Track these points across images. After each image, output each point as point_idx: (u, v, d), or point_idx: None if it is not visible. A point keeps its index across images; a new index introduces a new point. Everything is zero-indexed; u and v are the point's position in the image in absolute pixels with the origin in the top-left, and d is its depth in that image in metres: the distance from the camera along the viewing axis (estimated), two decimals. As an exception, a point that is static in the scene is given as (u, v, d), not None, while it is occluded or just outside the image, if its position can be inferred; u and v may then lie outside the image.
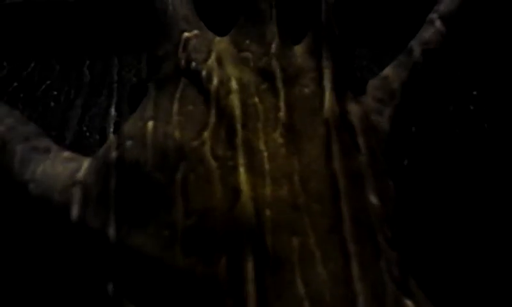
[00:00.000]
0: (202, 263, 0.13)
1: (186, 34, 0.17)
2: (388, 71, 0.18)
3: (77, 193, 0.15)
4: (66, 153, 0.17)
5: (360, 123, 0.16)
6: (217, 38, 0.18)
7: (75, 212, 0.15)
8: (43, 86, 0.26)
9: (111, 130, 0.24)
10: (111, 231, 0.15)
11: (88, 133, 0.24)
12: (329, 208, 0.14)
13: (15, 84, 0.26)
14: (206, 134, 0.15)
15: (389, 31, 0.28)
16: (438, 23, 0.19)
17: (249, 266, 0.13)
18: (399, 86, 0.18)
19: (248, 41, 0.17)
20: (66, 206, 0.15)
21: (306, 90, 0.16)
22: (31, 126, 0.18)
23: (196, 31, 0.18)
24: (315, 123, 0.16)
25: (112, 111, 0.24)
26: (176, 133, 0.15)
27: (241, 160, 0.15)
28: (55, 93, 0.26)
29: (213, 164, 0.15)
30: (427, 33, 0.19)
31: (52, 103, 0.25)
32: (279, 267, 0.13)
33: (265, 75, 0.16)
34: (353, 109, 0.17)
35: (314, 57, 0.17)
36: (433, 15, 0.19)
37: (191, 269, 0.13)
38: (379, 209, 0.15)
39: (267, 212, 0.13)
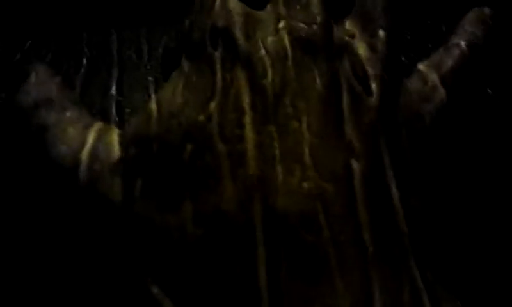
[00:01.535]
0: (215, 266, 0.13)
1: (216, 5, 0.16)
2: (426, 65, 0.18)
3: (85, 157, 0.16)
4: (75, 113, 0.17)
5: (401, 113, 0.16)
6: (250, 9, 0.17)
7: (83, 174, 0.15)
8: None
9: (113, 110, 0.23)
10: (118, 196, 0.15)
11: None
12: (344, 192, 0.13)
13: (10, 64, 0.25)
14: (213, 105, 0.15)
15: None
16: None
17: (262, 271, 0.12)
18: (439, 81, 0.17)
19: (289, 11, 0.16)
20: (75, 169, 0.15)
21: (346, 67, 0.16)
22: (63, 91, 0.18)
23: (226, 2, 0.17)
24: (355, 102, 0.15)
25: (113, 90, 0.24)
26: (181, 109, 0.15)
27: (252, 146, 0.14)
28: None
29: (221, 148, 0.14)
30: (467, 31, 0.19)
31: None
32: (293, 266, 0.12)
33: (301, 46, 0.15)
34: (396, 97, 0.16)
35: (355, 35, 0.17)
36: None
37: (203, 261, 0.13)
38: (398, 203, 0.14)
39: (279, 207, 0.13)
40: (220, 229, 0.13)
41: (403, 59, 0.25)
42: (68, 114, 0.17)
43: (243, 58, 0.15)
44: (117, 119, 0.22)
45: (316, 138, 0.14)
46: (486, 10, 0.20)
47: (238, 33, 0.15)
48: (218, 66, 0.15)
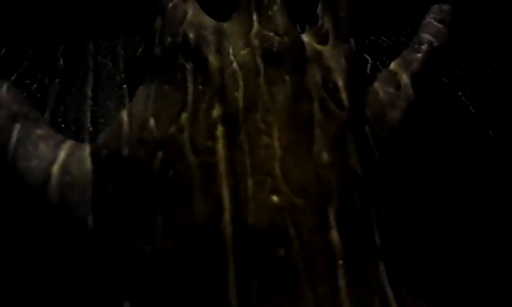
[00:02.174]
0: (186, 281, 0.13)
1: (186, 17, 0.16)
2: (394, 67, 0.18)
3: (55, 176, 0.15)
4: (49, 131, 0.17)
5: (369, 119, 0.16)
6: (217, 22, 0.17)
7: (53, 195, 0.15)
8: (15, 75, 0.25)
9: (88, 120, 0.23)
10: (89, 220, 0.15)
11: (63, 125, 0.23)
12: (315, 205, 0.14)
13: (-15, 72, 0.25)
14: (184, 117, 0.15)
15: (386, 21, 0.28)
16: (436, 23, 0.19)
17: (232, 286, 0.13)
18: (406, 84, 0.18)
19: (249, 24, 0.16)
20: (44, 186, 0.15)
21: (316, 78, 0.16)
22: (25, 100, 0.17)
23: (196, 13, 0.17)
24: (319, 116, 0.15)
25: (88, 100, 0.24)
26: (152, 120, 0.15)
27: (223, 158, 0.14)
28: (27, 81, 0.25)
29: (192, 160, 0.14)
30: (430, 29, 0.19)
31: (25, 93, 0.24)
32: (264, 280, 0.13)
33: (272, 59, 0.15)
34: (363, 103, 0.16)
35: (325, 44, 0.17)
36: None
37: (174, 276, 0.13)
38: (373, 213, 0.14)
39: (250, 223, 0.13)
40: (190, 244, 0.13)
41: (378, 64, 0.25)
42: (39, 130, 0.17)
43: (214, 72, 0.15)
44: (91, 129, 0.22)
45: (287, 152, 0.14)
46: (445, 7, 0.20)
47: (209, 48, 0.15)
48: (190, 78, 0.15)
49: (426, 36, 0.19)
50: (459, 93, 0.25)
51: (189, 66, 0.15)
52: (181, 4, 0.17)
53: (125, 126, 0.15)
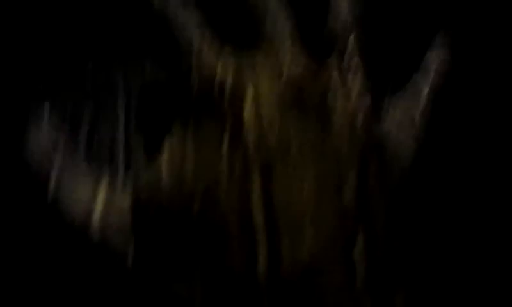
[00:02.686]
0: None
1: (219, 68, 0.17)
2: (413, 85, 0.19)
3: (97, 212, 0.16)
4: (88, 168, 0.18)
5: (387, 151, 0.17)
6: (244, 60, 0.18)
7: (95, 233, 0.16)
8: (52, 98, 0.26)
9: (121, 148, 0.24)
10: (129, 261, 0.16)
11: (98, 149, 0.24)
12: (345, 257, 0.15)
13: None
14: (222, 168, 0.16)
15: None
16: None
17: None
18: (419, 113, 0.19)
19: (280, 66, 0.17)
20: (87, 223, 0.16)
21: (337, 110, 0.17)
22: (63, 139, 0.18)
23: (228, 63, 0.17)
24: (352, 153, 0.16)
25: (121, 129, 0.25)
26: (190, 170, 0.16)
27: (257, 202, 0.15)
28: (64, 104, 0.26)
29: (230, 204, 0.15)
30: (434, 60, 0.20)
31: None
32: None
33: (296, 93, 0.17)
34: (381, 136, 0.17)
35: (343, 75, 0.18)
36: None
37: None
38: (396, 263, 0.15)
39: (284, 269, 0.14)
40: (227, 289, 0.14)
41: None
42: (79, 165, 0.18)
43: (249, 121, 0.16)
44: (124, 160, 0.24)
45: (318, 200, 0.15)
46: (442, 54, 0.21)
47: (243, 98, 0.16)
48: (226, 135, 0.16)
49: (438, 56, 0.20)
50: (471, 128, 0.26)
51: (224, 121, 0.16)
52: (214, 54, 0.18)
53: (164, 175, 0.16)
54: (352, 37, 0.18)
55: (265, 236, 0.14)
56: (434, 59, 0.20)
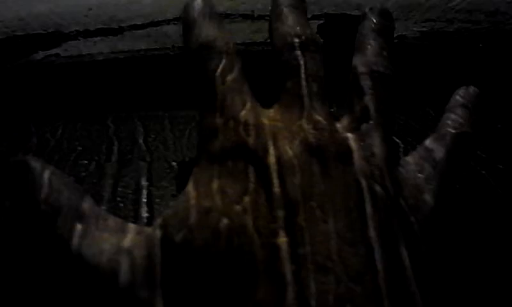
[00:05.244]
0: None
1: (244, 110, 0.18)
2: (429, 144, 0.20)
3: (124, 261, 0.16)
4: (112, 220, 0.18)
5: (409, 201, 0.17)
6: (267, 112, 0.18)
7: (123, 278, 0.16)
8: (73, 155, 0.27)
9: (144, 200, 0.25)
10: (159, 304, 0.15)
11: (121, 204, 0.25)
12: (371, 294, 0.15)
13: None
14: (247, 200, 0.16)
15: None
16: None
17: None
18: (442, 159, 0.19)
19: (297, 119, 0.18)
20: (114, 273, 0.16)
21: (362, 166, 0.17)
22: (85, 195, 0.18)
23: (249, 104, 0.18)
24: (368, 202, 0.16)
25: (143, 181, 0.26)
26: (218, 198, 0.16)
27: (283, 240, 0.15)
28: (85, 161, 0.27)
29: (256, 241, 0.15)
30: (457, 111, 0.21)
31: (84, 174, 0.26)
32: None
33: (318, 152, 0.17)
34: (402, 185, 0.18)
35: (360, 132, 0.18)
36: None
37: None
38: (419, 301, 0.15)
39: (313, 306, 0.14)
40: None
41: (409, 148, 0.28)
42: (102, 217, 0.18)
43: (273, 166, 0.16)
44: (147, 209, 0.24)
45: (343, 239, 0.15)
46: (471, 90, 0.22)
47: (267, 145, 0.17)
48: (251, 170, 0.17)
49: (454, 119, 0.20)
50: (484, 173, 0.27)
51: (250, 159, 0.17)
52: (238, 94, 0.18)
53: (193, 202, 0.17)
54: (371, 100, 0.19)
55: (292, 274, 0.15)
56: (454, 119, 0.21)
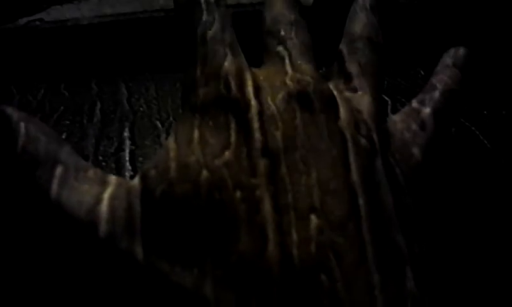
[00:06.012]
0: (232, 305, 0.14)
1: (226, 61, 0.18)
2: (416, 104, 0.19)
3: (104, 212, 0.16)
4: (93, 171, 0.17)
5: (395, 155, 0.17)
6: (251, 69, 0.18)
7: (103, 229, 0.15)
8: (55, 115, 0.27)
9: (127, 159, 0.24)
10: (139, 254, 0.15)
11: (104, 163, 0.24)
12: (354, 241, 0.15)
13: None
14: (228, 154, 0.15)
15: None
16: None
17: None
18: (428, 119, 0.19)
19: (282, 72, 0.18)
20: (93, 224, 0.16)
21: (348, 119, 0.17)
22: (64, 144, 0.18)
23: (232, 57, 0.18)
24: (352, 152, 0.16)
25: (126, 140, 0.25)
26: (198, 150, 0.16)
27: (266, 193, 0.15)
28: (67, 122, 0.26)
29: (237, 194, 0.15)
30: (446, 72, 0.20)
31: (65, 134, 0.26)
32: None
33: (302, 102, 0.17)
34: (389, 139, 0.18)
35: (348, 86, 0.18)
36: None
37: None
38: (404, 249, 0.15)
39: (295, 254, 0.14)
40: (239, 274, 0.14)
41: (398, 105, 0.27)
42: (82, 165, 0.17)
43: (255, 117, 0.16)
44: (130, 167, 0.24)
45: (325, 190, 0.15)
46: (461, 51, 0.21)
47: (249, 95, 0.17)
48: (232, 122, 0.16)
49: (443, 78, 0.20)
50: (474, 129, 0.26)
51: (231, 111, 0.16)
52: (221, 45, 0.18)
53: (173, 154, 0.16)
54: (360, 61, 0.19)
55: (274, 222, 0.14)
56: (442, 78, 0.20)
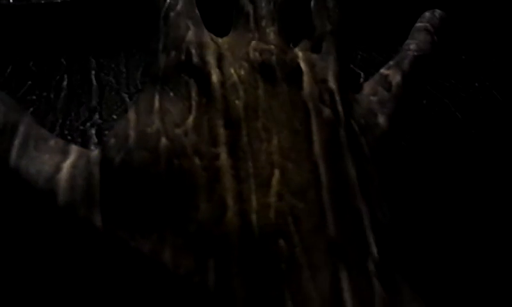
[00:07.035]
0: (191, 271, 0.14)
1: (188, 33, 0.17)
2: (385, 70, 0.19)
3: (63, 181, 0.16)
4: (53, 141, 0.17)
5: (360, 123, 0.17)
6: (215, 38, 0.18)
7: (62, 198, 0.15)
8: (21, 91, 0.26)
9: (94, 133, 0.24)
10: (98, 222, 0.15)
11: (69, 137, 0.24)
12: (314, 207, 0.14)
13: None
14: (189, 123, 0.15)
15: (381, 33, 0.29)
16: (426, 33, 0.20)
17: (237, 279, 0.13)
18: (397, 84, 0.19)
19: (247, 40, 0.17)
20: (52, 193, 0.15)
21: (311, 88, 0.17)
22: (25, 114, 0.17)
23: (194, 28, 0.18)
24: (315, 122, 0.16)
25: (93, 115, 0.25)
26: (158, 120, 0.16)
27: (226, 162, 0.15)
28: (34, 97, 0.26)
29: (197, 162, 0.15)
30: (419, 36, 0.20)
31: (32, 108, 0.25)
32: (267, 275, 0.13)
33: (265, 72, 0.17)
34: (355, 108, 0.17)
35: (315, 55, 0.18)
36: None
37: (179, 274, 0.14)
38: (367, 216, 0.15)
39: (253, 220, 0.14)
40: (198, 242, 0.14)
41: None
42: (43, 134, 0.17)
43: (216, 86, 0.16)
44: (97, 141, 0.23)
45: (286, 158, 0.15)
46: (437, 13, 0.21)
47: (210, 64, 0.16)
48: (193, 91, 0.16)
49: (415, 42, 0.20)
50: (446, 101, 0.26)
51: (192, 81, 0.16)
52: (184, 19, 0.18)
53: (132, 123, 0.16)
54: (327, 24, 0.19)
55: (233, 190, 0.14)
56: (415, 42, 0.20)
